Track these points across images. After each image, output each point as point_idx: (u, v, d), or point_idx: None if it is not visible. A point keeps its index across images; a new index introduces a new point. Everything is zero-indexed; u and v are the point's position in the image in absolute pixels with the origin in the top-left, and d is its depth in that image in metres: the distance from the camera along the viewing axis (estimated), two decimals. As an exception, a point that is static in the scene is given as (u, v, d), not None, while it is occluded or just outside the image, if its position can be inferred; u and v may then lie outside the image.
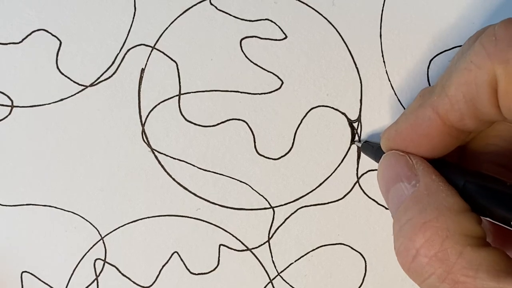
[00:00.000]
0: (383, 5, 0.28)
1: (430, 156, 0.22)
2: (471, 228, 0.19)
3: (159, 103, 0.29)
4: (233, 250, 0.29)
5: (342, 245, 0.29)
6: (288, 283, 0.29)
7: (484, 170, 0.22)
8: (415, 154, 0.23)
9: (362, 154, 0.29)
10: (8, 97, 0.28)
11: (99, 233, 0.29)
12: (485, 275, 0.18)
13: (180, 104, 0.29)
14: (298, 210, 0.29)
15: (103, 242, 0.29)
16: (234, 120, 0.29)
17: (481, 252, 0.18)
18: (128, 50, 0.28)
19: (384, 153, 0.24)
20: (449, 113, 0.21)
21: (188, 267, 0.29)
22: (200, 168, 0.29)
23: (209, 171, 0.29)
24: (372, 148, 0.27)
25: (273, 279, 0.29)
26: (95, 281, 0.29)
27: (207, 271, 0.29)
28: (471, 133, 0.23)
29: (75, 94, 0.28)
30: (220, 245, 0.29)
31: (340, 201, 0.29)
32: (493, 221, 0.20)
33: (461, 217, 0.19)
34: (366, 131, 0.29)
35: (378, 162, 0.25)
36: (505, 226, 0.19)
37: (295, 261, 0.29)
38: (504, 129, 0.23)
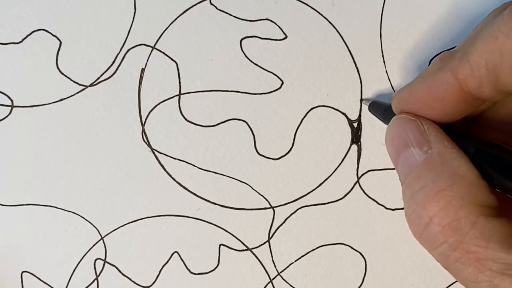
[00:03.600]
0: (383, 5, 0.28)
1: (441, 121, 0.22)
2: (484, 198, 0.19)
3: (159, 103, 0.29)
4: (233, 250, 0.29)
5: (342, 245, 0.29)
6: (288, 283, 0.29)
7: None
8: (426, 118, 0.22)
9: (362, 154, 0.29)
10: (8, 97, 0.28)
11: (99, 233, 0.29)
12: (496, 245, 0.18)
13: (180, 104, 0.29)
14: (298, 210, 0.29)
15: (103, 242, 0.29)
16: (234, 120, 0.29)
17: (493, 223, 0.18)
18: (128, 50, 0.28)
19: (393, 115, 0.24)
20: (468, 79, 0.21)
21: (188, 267, 0.29)
22: (200, 168, 0.29)
23: (209, 171, 0.29)
24: (381, 108, 0.26)
25: (273, 279, 0.29)
26: (95, 281, 0.29)
27: (207, 271, 0.29)
28: (483, 103, 0.23)
29: (75, 94, 0.28)
30: (220, 245, 0.29)
31: (340, 201, 0.29)
32: (501, 191, 0.20)
33: (474, 186, 0.19)
34: (366, 131, 0.29)
35: (386, 123, 0.24)
36: None
37: (295, 261, 0.29)
38: None
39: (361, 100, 0.28)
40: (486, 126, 0.24)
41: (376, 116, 0.27)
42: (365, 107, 0.28)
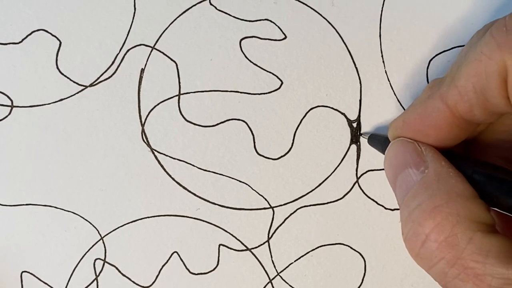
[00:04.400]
0: (383, 5, 0.28)
1: (437, 147, 0.22)
2: (480, 214, 0.19)
3: (158, 103, 0.29)
4: (232, 250, 0.29)
5: (342, 245, 0.29)
6: (287, 283, 0.29)
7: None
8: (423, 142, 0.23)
9: (362, 154, 0.29)
10: (8, 97, 0.28)
11: (98, 233, 0.29)
12: (494, 261, 0.18)
13: (180, 104, 0.29)
14: (298, 210, 0.29)
15: (103, 242, 0.29)
16: (233, 120, 0.29)
17: (490, 238, 0.18)
18: (128, 50, 0.28)
19: None
20: (458, 104, 0.21)
21: (187, 267, 0.29)
22: (200, 168, 0.29)
23: (208, 171, 0.29)
24: (379, 140, 0.27)
25: (273, 279, 0.29)
26: (95, 281, 0.29)
27: (207, 271, 0.29)
28: (478, 126, 0.23)
29: (74, 94, 0.28)
30: (219, 245, 0.29)
31: (340, 201, 0.29)
32: (501, 211, 0.20)
33: (471, 203, 0.19)
34: (365, 131, 0.29)
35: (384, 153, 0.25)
36: None
37: (294, 261, 0.29)
38: (511, 123, 0.23)
39: (360, 134, 0.28)
40: (485, 146, 0.24)
41: (376, 149, 0.28)
42: (364, 109, 0.28)
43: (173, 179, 0.29)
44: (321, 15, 0.28)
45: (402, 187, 0.22)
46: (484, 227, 0.19)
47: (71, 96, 0.28)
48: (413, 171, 0.21)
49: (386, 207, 0.29)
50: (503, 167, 0.21)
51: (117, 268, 0.29)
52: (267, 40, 0.28)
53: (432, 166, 0.21)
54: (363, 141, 0.29)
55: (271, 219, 0.29)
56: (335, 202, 0.29)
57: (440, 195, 0.20)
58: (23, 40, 0.28)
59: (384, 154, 0.25)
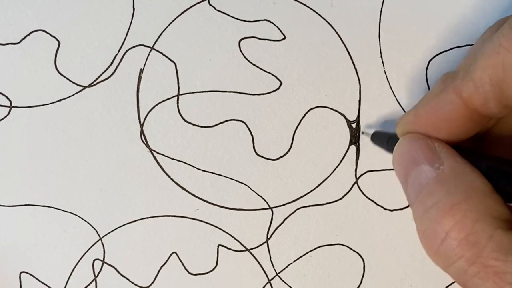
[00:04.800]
0: (382, 6, 0.28)
1: (448, 141, 0.22)
2: (500, 211, 0.19)
3: (157, 104, 0.29)
4: (231, 251, 0.29)
5: (341, 246, 0.29)
6: (286, 284, 0.29)
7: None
8: (434, 137, 0.22)
9: (361, 155, 0.29)
10: (7, 97, 0.28)
11: (97, 233, 0.29)
12: None
13: (179, 104, 0.29)
14: (297, 211, 0.29)
15: (102, 243, 0.29)
16: (232, 121, 0.29)
17: (510, 235, 0.18)
18: (127, 51, 0.28)
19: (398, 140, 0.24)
20: (473, 97, 0.21)
21: (186, 268, 0.29)
22: (199, 169, 0.29)
23: (207, 171, 0.29)
24: (383, 137, 0.26)
25: (272, 279, 0.29)
26: (94, 281, 0.29)
27: (206, 272, 0.29)
28: (490, 120, 0.23)
29: (73, 94, 0.28)
30: (218, 245, 0.29)
31: (339, 201, 0.29)
32: None
33: (490, 199, 0.19)
34: (366, 129, 0.29)
35: (390, 151, 0.24)
36: None
37: (293, 262, 0.29)
38: None
39: (362, 132, 0.28)
40: (495, 142, 0.24)
41: (380, 146, 0.27)
42: (363, 110, 0.28)
43: (172, 179, 0.29)
44: (320, 15, 0.28)
45: (415, 184, 0.21)
46: (504, 223, 0.19)
47: (70, 96, 0.28)
48: (427, 167, 0.21)
49: (385, 208, 0.29)
50: None
51: (116, 269, 0.29)
52: (266, 41, 0.28)
53: (448, 162, 0.21)
54: (363, 141, 0.29)
55: (270, 219, 0.29)
56: (334, 203, 0.29)
57: (458, 192, 0.19)
58: (22, 40, 0.28)
59: (388, 151, 0.25)
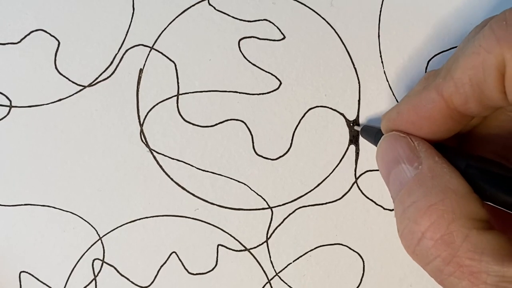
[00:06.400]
0: (381, 5, 0.28)
1: (430, 139, 0.22)
2: (476, 211, 0.19)
3: (157, 104, 0.29)
4: (231, 250, 0.29)
5: (340, 245, 0.29)
6: (286, 283, 0.29)
7: None
8: (416, 135, 0.22)
9: (360, 155, 0.29)
10: (7, 97, 0.28)
11: (97, 233, 0.29)
12: (490, 258, 0.18)
13: (179, 104, 0.29)
14: (296, 211, 0.29)
15: (102, 242, 0.29)
16: (232, 121, 0.29)
17: (486, 236, 0.18)
18: (127, 51, 0.28)
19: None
20: (453, 96, 0.21)
21: (186, 267, 0.29)
22: (199, 168, 0.29)
23: (207, 171, 0.29)
24: (371, 132, 0.27)
25: (271, 279, 0.29)
26: (93, 281, 0.29)
27: (205, 271, 0.29)
28: (472, 120, 0.23)
29: (73, 94, 0.28)
30: (218, 245, 0.29)
31: (338, 201, 0.29)
32: (494, 205, 0.20)
33: (466, 200, 0.19)
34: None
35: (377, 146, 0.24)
36: (507, 211, 0.19)
37: (293, 261, 0.29)
38: (505, 119, 0.23)
39: (353, 125, 0.28)
40: (478, 141, 0.24)
41: (368, 140, 0.28)
42: (363, 109, 0.28)
43: (171, 179, 0.29)
44: (320, 15, 0.28)
45: (395, 182, 0.22)
46: (480, 224, 0.19)
47: (70, 96, 0.28)
48: (406, 166, 0.21)
49: (385, 208, 0.29)
50: (497, 161, 0.20)
51: (115, 268, 0.29)
52: (266, 40, 0.28)
53: (426, 162, 0.21)
54: (362, 141, 0.29)
55: (269, 219, 0.29)
56: (333, 203, 0.29)
57: (435, 192, 0.20)
58: (21, 40, 0.28)
59: (375, 145, 0.25)
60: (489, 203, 0.20)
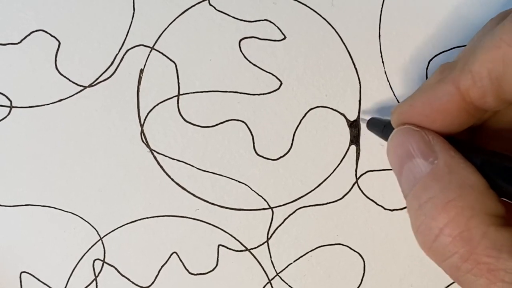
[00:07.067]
0: (382, 6, 0.28)
1: (442, 133, 0.22)
2: (494, 207, 0.19)
3: (158, 104, 0.29)
4: (232, 251, 0.29)
5: (341, 246, 0.29)
6: (287, 283, 0.29)
7: None
8: (429, 129, 0.22)
9: (361, 155, 0.29)
10: (7, 97, 0.28)
11: (98, 233, 0.29)
12: (508, 255, 0.17)
13: (179, 104, 0.29)
14: (297, 211, 0.29)
15: (102, 243, 0.29)
16: (233, 121, 0.29)
17: (503, 232, 0.18)
18: (127, 51, 0.28)
19: (393, 130, 0.23)
20: (471, 90, 0.20)
21: (187, 268, 0.29)
22: (199, 169, 0.29)
23: (208, 171, 0.29)
24: (379, 125, 0.26)
25: (272, 279, 0.29)
26: (94, 281, 0.29)
27: (206, 272, 0.29)
28: (486, 113, 0.22)
29: (74, 94, 0.28)
30: (219, 245, 0.29)
31: (339, 201, 0.29)
32: (509, 201, 0.19)
33: (484, 196, 0.19)
34: (364, 131, 0.29)
35: (385, 139, 0.24)
36: None
37: (294, 262, 0.29)
38: None
39: (359, 118, 0.28)
40: (489, 135, 0.24)
41: (375, 133, 0.27)
42: (363, 110, 0.28)
43: (172, 179, 0.29)
44: (320, 15, 0.28)
45: (409, 177, 0.21)
46: (498, 220, 0.19)
47: (70, 96, 0.28)
48: (421, 161, 0.21)
49: (386, 208, 0.29)
50: (511, 156, 0.20)
51: (116, 269, 0.29)
52: (267, 41, 0.28)
53: (442, 156, 0.20)
54: (363, 141, 0.29)
55: (270, 219, 0.29)
56: (334, 203, 0.29)
57: (453, 188, 0.19)
58: (22, 40, 0.28)
59: (383, 139, 0.25)
60: (504, 199, 0.20)
